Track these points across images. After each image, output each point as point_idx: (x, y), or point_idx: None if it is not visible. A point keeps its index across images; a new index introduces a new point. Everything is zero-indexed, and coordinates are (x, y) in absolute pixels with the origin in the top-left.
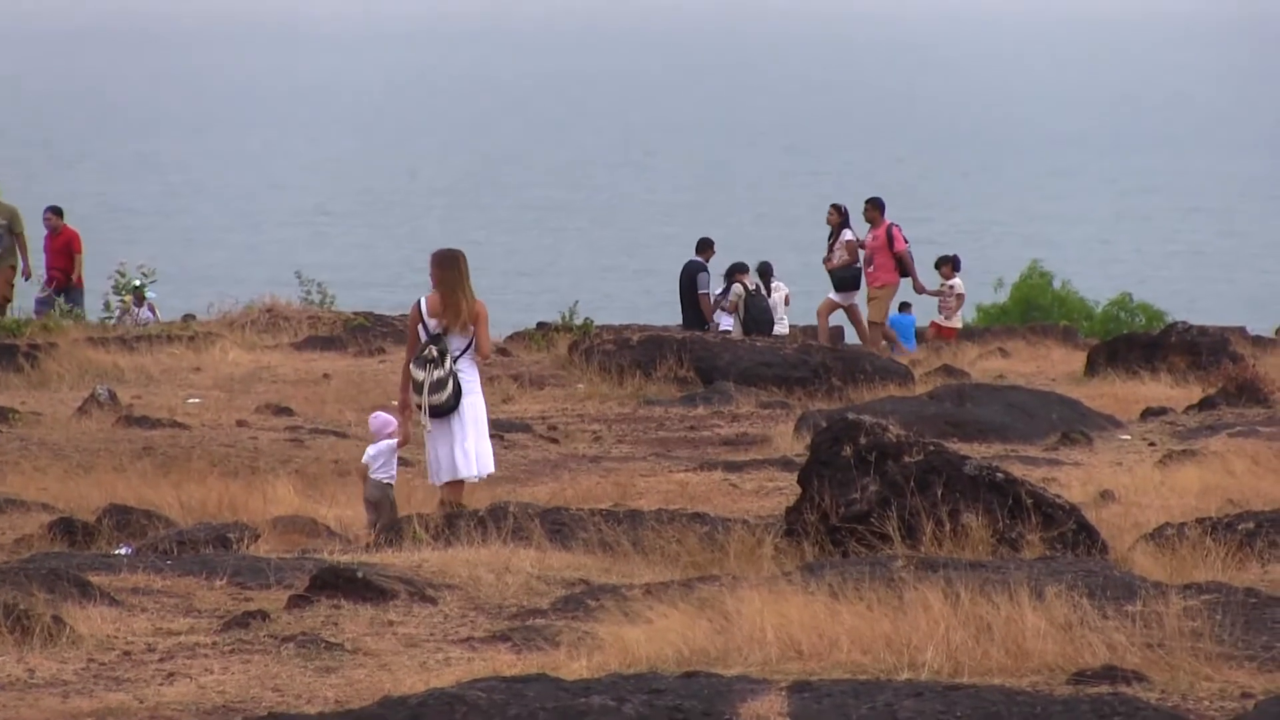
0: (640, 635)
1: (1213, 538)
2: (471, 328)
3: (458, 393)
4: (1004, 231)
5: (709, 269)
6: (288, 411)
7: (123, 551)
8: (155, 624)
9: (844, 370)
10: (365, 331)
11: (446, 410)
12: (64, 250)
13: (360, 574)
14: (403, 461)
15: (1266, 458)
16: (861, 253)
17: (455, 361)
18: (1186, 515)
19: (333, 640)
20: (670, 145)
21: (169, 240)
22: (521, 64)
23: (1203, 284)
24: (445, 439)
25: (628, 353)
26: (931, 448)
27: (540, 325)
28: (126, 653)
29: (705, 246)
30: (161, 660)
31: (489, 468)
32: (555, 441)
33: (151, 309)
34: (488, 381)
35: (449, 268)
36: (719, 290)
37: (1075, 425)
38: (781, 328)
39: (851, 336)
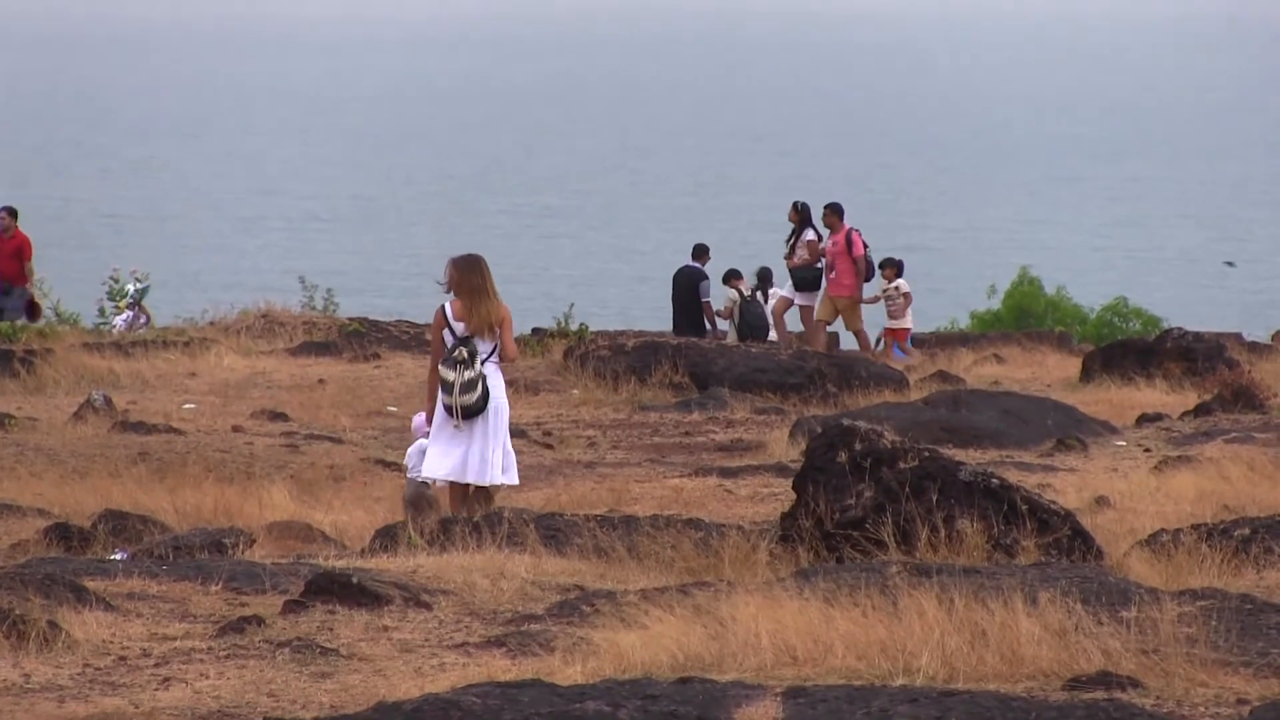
0: (635, 641)
1: (1208, 544)
2: (497, 331)
3: (486, 395)
4: (997, 237)
5: (708, 275)
6: (283, 417)
7: (118, 557)
8: (150, 629)
9: (839, 376)
10: (360, 337)
11: (476, 411)
12: (15, 255)
13: (355, 579)
14: (396, 466)
15: (1262, 464)
16: (823, 258)
17: (482, 365)
18: (1182, 521)
19: (328, 645)
20: (665, 150)
21: (162, 245)
22: (515, 69)
23: (1198, 289)
24: (465, 441)
25: (623, 358)
26: (926, 454)
27: (535, 331)
28: (122, 658)
29: (701, 252)
30: (157, 665)
31: (512, 479)
32: (550, 447)
33: (145, 314)
34: None
35: (472, 272)
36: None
37: (1070, 431)
38: (773, 334)
39: (849, 342)
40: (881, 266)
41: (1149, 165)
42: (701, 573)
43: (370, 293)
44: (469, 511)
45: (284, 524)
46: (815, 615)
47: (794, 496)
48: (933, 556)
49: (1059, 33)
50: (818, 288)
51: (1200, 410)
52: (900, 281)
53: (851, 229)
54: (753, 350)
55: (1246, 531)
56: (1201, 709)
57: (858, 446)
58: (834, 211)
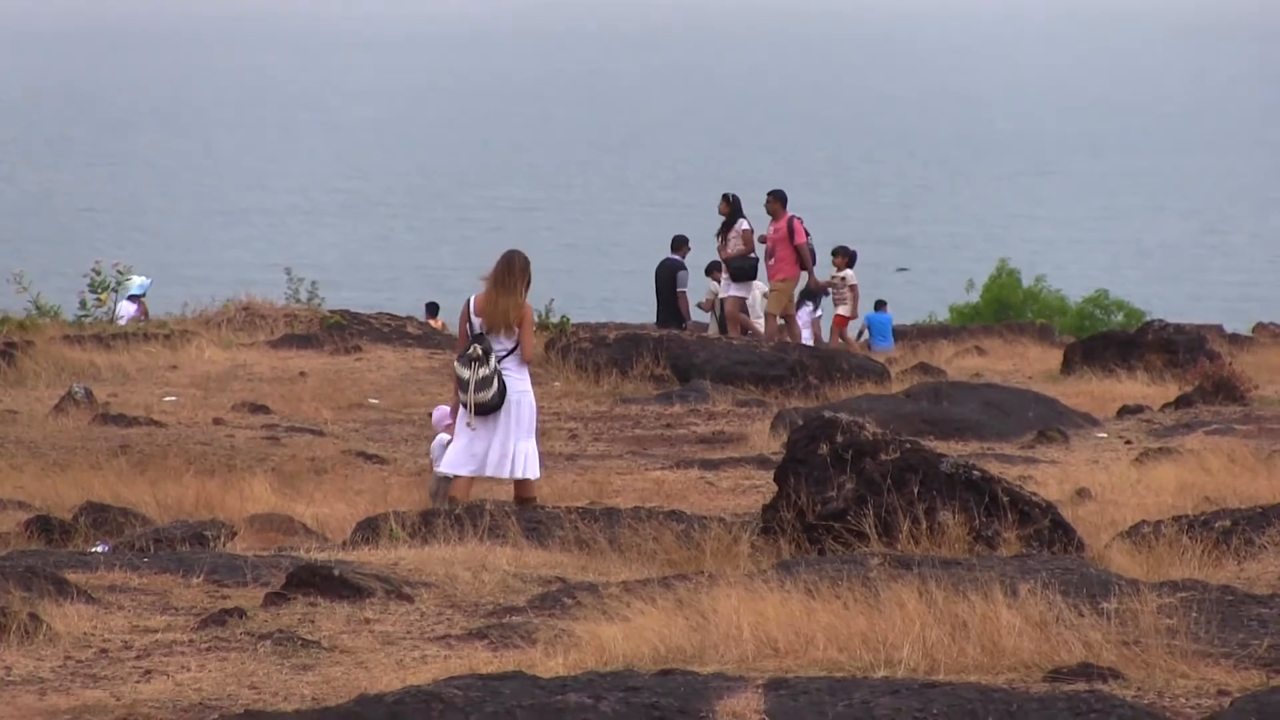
0: (617, 633)
1: (1189, 535)
2: (517, 329)
3: (503, 391)
4: (977, 231)
5: (687, 266)
6: (264, 409)
7: (99, 549)
8: (132, 621)
9: (820, 368)
10: (342, 330)
11: (491, 408)
12: None
13: (337, 572)
14: (378, 458)
15: (1243, 455)
16: (762, 245)
17: (501, 361)
18: (1163, 513)
19: (309, 638)
20: (646, 144)
21: (143, 239)
22: (496, 64)
23: (1179, 282)
24: (485, 437)
25: (604, 351)
26: (908, 446)
27: None
28: (103, 650)
29: (681, 244)
30: (138, 658)
31: (531, 473)
32: None
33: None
34: None
35: (502, 268)
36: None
37: (1052, 423)
38: (761, 325)
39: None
40: (834, 254)
41: (1130, 158)
42: (683, 565)
43: (349, 287)
44: (514, 504)
45: (265, 516)
46: (797, 607)
47: (775, 488)
48: (914, 548)
49: (1040, 26)
50: (753, 277)
51: (1181, 402)
52: (849, 272)
53: (794, 216)
54: (734, 343)
55: (1227, 523)
56: (1182, 700)
57: (839, 439)
58: (777, 198)
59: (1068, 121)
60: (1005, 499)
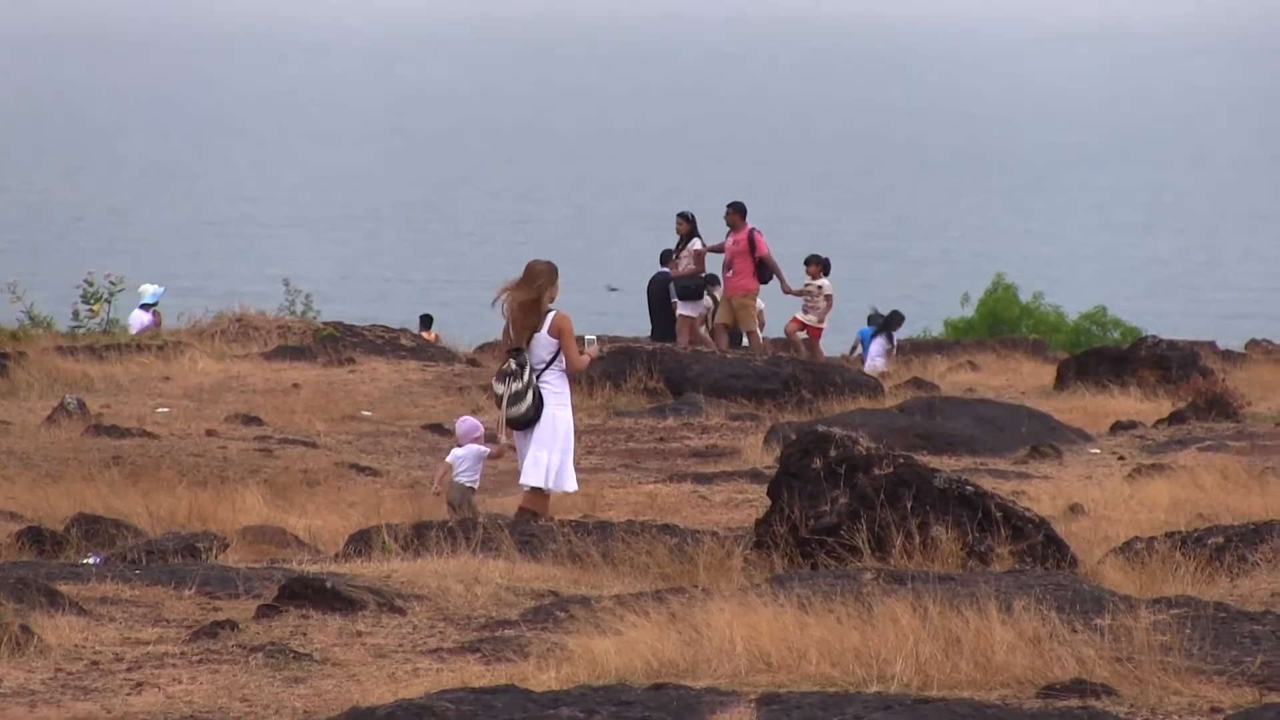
0: (609, 647)
1: (1182, 552)
2: (554, 340)
3: (538, 404)
4: (973, 246)
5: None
6: (257, 421)
7: (91, 561)
8: (123, 633)
9: (814, 383)
10: (335, 342)
11: (525, 422)
12: None
13: (329, 584)
14: (370, 471)
15: (1236, 472)
16: (721, 257)
17: (540, 375)
18: (1156, 529)
19: (301, 650)
20: (637, 157)
21: (136, 249)
22: (487, 77)
23: (1174, 299)
24: (524, 447)
25: (597, 364)
26: (901, 460)
27: None
28: (94, 662)
29: (669, 257)
30: (129, 670)
31: (564, 485)
32: None
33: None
34: (457, 392)
35: (526, 279)
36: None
37: (1045, 439)
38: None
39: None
40: (807, 263)
41: (1125, 173)
42: (676, 579)
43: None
44: (520, 512)
45: (257, 528)
46: (790, 622)
47: (769, 503)
48: (907, 563)
49: (1035, 43)
50: (700, 297)
51: (1174, 418)
52: (824, 281)
53: (754, 229)
54: (728, 356)
55: (1220, 539)
56: (1175, 717)
57: (832, 453)
58: (736, 210)
59: (1064, 136)
60: (998, 514)
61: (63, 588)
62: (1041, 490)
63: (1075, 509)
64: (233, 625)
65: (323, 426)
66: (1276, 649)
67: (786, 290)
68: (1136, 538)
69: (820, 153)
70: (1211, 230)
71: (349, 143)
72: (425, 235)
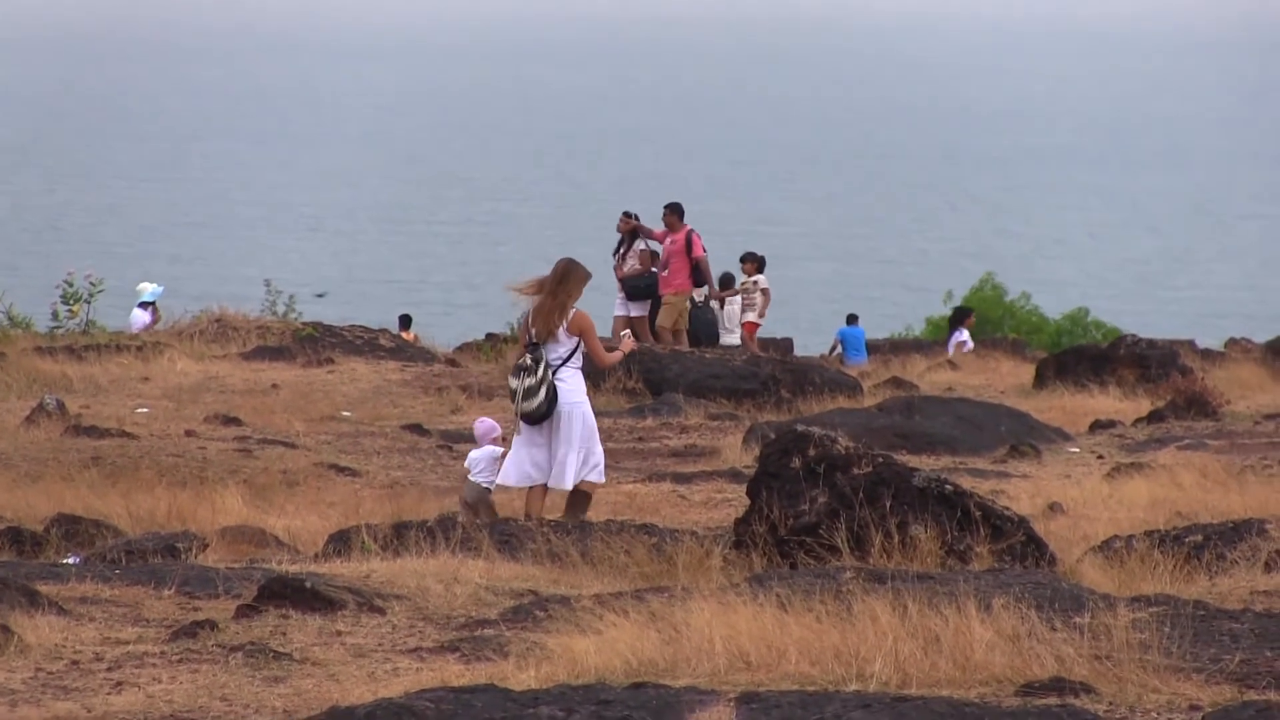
0: (589, 646)
1: (1161, 550)
2: (573, 338)
3: (552, 400)
4: (954, 245)
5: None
6: (236, 421)
7: (71, 561)
8: (103, 633)
9: (793, 382)
10: (314, 342)
11: (539, 417)
12: None
13: (308, 584)
14: (350, 471)
15: (1214, 471)
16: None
17: (555, 371)
18: (1135, 528)
19: (281, 650)
20: (617, 157)
21: (114, 250)
22: (466, 76)
23: (1152, 298)
24: (534, 445)
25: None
26: (880, 460)
27: (489, 336)
28: (74, 662)
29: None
30: (109, 670)
31: (592, 477)
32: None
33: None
34: (436, 392)
35: (550, 278)
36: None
37: (1024, 438)
38: (733, 339)
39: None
40: (743, 260)
41: (1105, 174)
42: (655, 578)
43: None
44: (567, 514)
45: (237, 528)
46: (769, 621)
47: (748, 502)
48: (886, 562)
49: (1015, 42)
50: (649, 297)
51: (1153, 417)
52: (760, 277)
53: (691, 230)
54: (707, 356)
55: (1199, 538)
56: (1154, 715)
57: (811, 452)
58: (673, 211)
59: (1043, 136)
60: (978, 513)
61: (42, 588)
62: (1020, 489)
63: (1054, 508)
64: (212, 625)
65: (302, 427)
66: (1255, 647)
67: (714, 295)
68: (1115, 536)
69: (800, 152)
70: (1190, 229)
71: (327, 143)
72: (400, 235)
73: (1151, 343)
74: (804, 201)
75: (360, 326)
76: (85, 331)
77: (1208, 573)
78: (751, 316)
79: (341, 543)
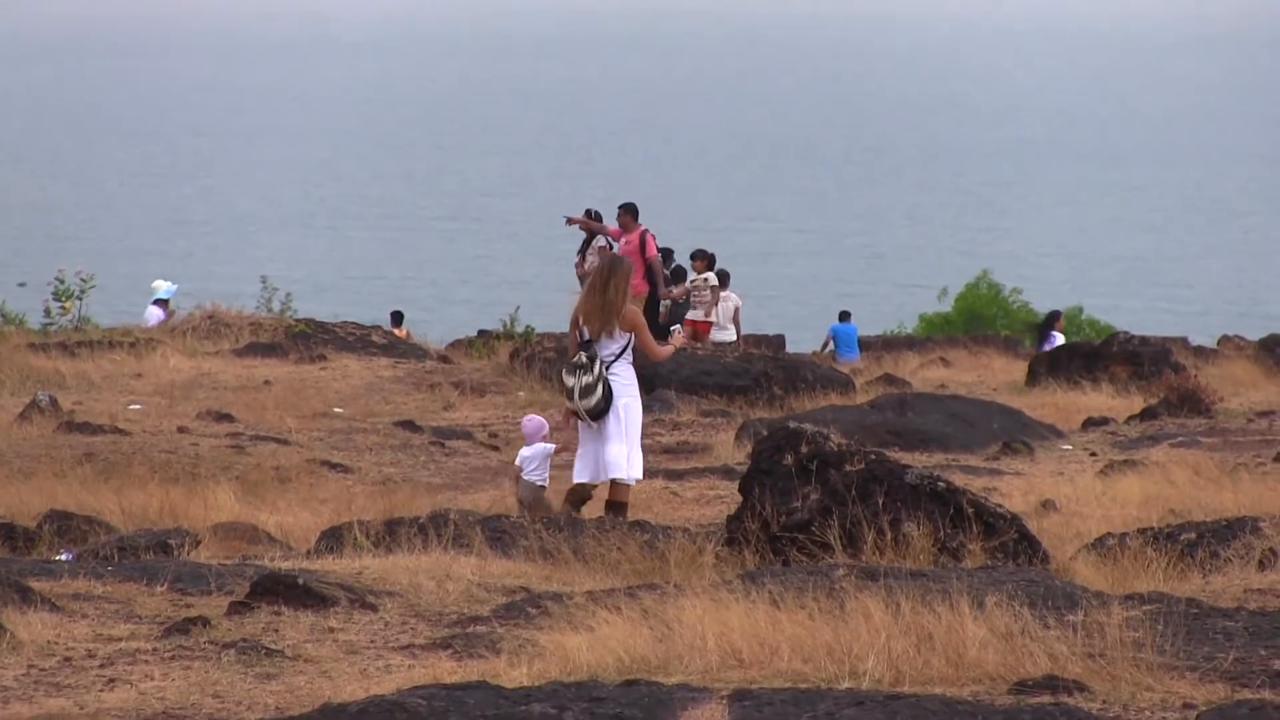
0: (581, 643)
1: (1154, 548)
2: (625, 334)
3: (608, 396)
4: (945, 242)
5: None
6: (229, 418)
7: (63, 557)
8: (96, 630)
9: (785, 379)
10: (306, 338)
11: (598, 413)
12: None
13: (301, 581)
14: (342, 467)
15: (1208, 468)
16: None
17: (609, 367)
18: (1128, 525)
19: (273, 647)
20: (609, 152)
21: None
22: (458, 72)
23: (1145, 295)
24: (595, 440)
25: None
26: (873, 456)
27: (481, 333)
28: (67, 659)
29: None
30: (102, 666)
31: (636, 474)
32: (496, 449)
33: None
34: (428, 388)
35: (599, 275)
36: None
37: (1017, 435)
38: (726, 335)
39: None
40: (693, 258)
41: (1098, 170)
42: (648, 575)
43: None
44: (604, 507)
45: (229, 525)
46: (761, 618)
47: (740, 499)
48: (879, 559)
49: (1012, 39)
50: None
51: (1146, 414)
52: (710, 275)
53: (646, 230)
54: (699, 353)
55: (1192, 536)
56: (1148, 713)
57: (804, 449)
58: (628, 211)
59: (1034, 130)
60: (970, 510)
61: (35, 584)
62: (1013, 486)
63: (1047, 505)
64: (205, 622)
65: (294, 423)
66: (1249, 645)
67: (666, 295)
68: (1109, 534)
69: (791, 148)
70: (1182, 226)
71: (318, 139)
72: (393, 232)
73: (1144, 340)
74: (796, 197)
75: (352, 323)
76: (78, 328)
77: (1201, 570)
78: (699, 315)
79: (334, 539)
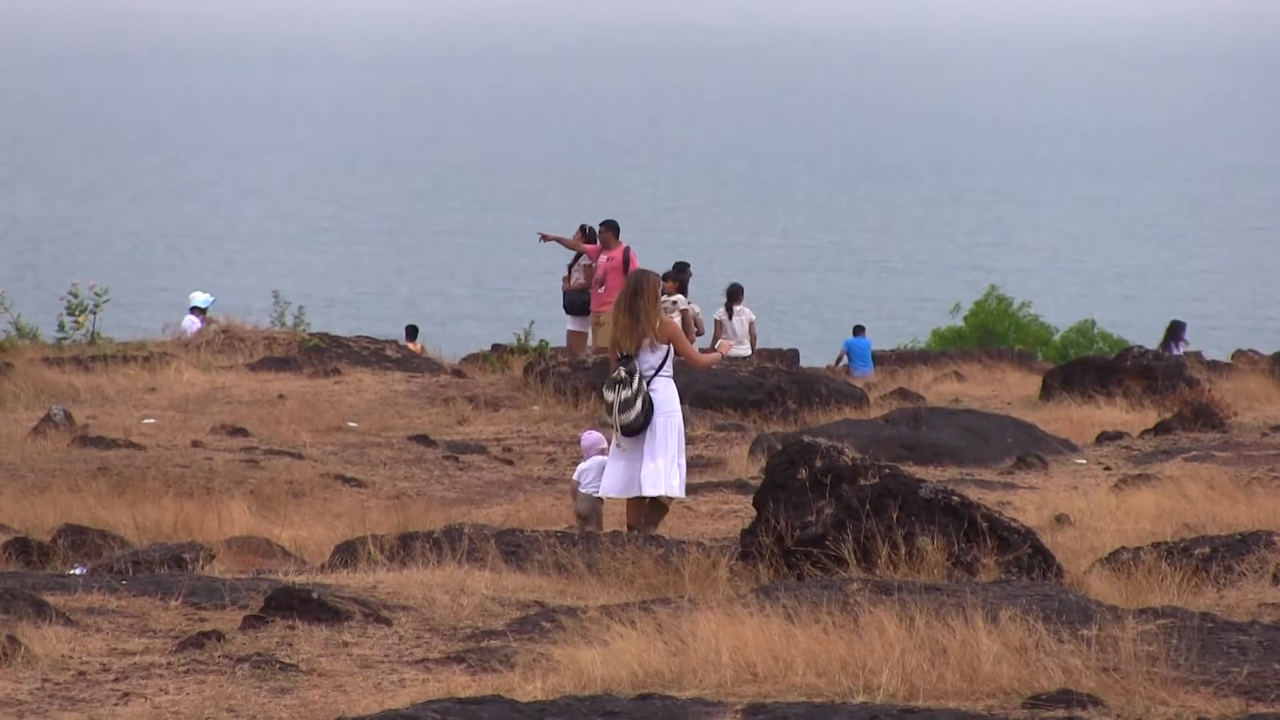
0: (595, 657)
1: (1168, 562)
2: (664, 345)
3: (648, 411)
4: (953, 258)
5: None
6: (243, 432)
7: (78, 571)
8: (110, 644)
9: (799, 393)
10: (320, 353)
11: (636, 429)
12: None
13: (315, 595)
14: (356, 482)
15: (1222, 482)
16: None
17: (649, 381)
18: (1142, 539)
19: (287, 661)
20: (617, 167)
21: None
22: (466, 86)
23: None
24: (634, 456)
25: (583, 374)
26: (887, 471)
27: (495, 347)
28: (81, 673)
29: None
30: (116, 680)
31: (676, 490)
32: (510, 463)
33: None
34: (442, 403)
35: (624, 296)
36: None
37: (1030, 449)
38: (741, 350)
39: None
40: (665, 278)
41: (1107, 184)
42: (662, 589)
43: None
44: (643, 524)
45: (243, 539)
46: (776, 632)
47: (754, 513)
48: (893, 574)
49: (1021, 54)
50: (586, 312)
51: (1160, 429)
52: (680, 297)
53: (628, 247)
54: (713, 367)
55: (1206, 550)
56: None
57: (818, 463)
58: (609, 228)
59: (1044, 147)
60: (984, 525)
61: (49, 598)
62: (1027, 501)
63: (1061, 519)
64: (219, 636)
65: (308, 437)
66: (1263, 659)
67: None
68: (1123, 548)
69: (802, 163)
70: (1194, 240)
71: (334, 154)
72: (405, 247)
73: (1158, 354)
74: (808, 212)
75: (366, 337)
76: (91, 342)
77: (1215, 585)
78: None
79: (348, 553)
